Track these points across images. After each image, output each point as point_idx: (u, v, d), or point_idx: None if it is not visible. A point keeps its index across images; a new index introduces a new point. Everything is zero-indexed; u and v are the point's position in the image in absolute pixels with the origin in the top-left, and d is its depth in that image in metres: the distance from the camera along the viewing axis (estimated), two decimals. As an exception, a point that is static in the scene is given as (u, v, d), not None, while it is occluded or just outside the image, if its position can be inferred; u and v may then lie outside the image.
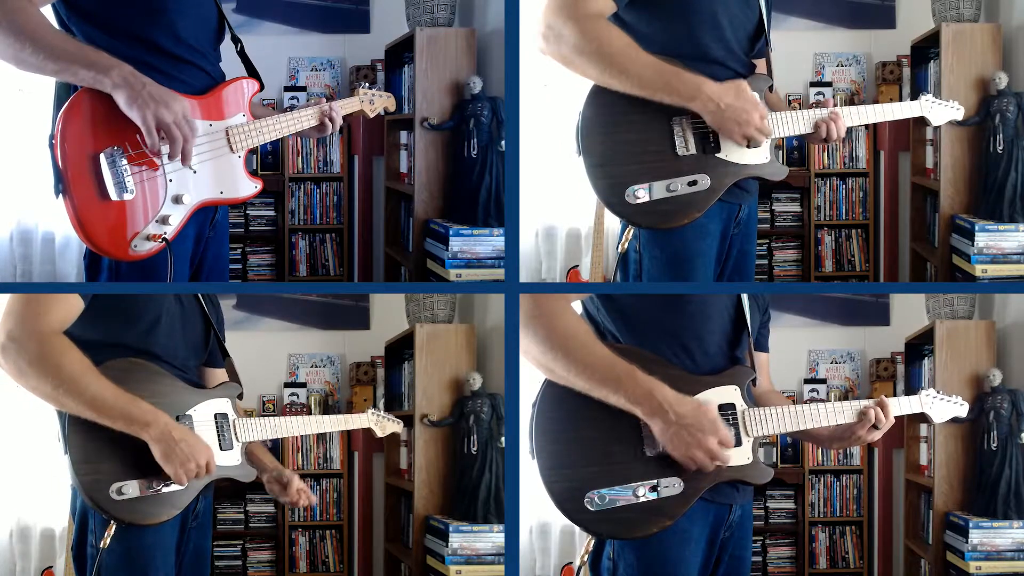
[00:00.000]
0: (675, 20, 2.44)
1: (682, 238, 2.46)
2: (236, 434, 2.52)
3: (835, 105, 2.58)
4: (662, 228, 2.45)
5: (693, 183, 2.43)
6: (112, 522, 2.35)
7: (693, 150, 2.44)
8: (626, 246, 2.51)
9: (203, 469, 2.39)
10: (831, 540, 4.56)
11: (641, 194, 2.43)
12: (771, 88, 2.54)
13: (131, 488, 2.34)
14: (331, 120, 2.75)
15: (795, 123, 2.55)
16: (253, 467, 2.61)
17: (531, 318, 2.27)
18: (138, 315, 2.41)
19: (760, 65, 2.56)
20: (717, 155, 2.44)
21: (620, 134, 2.43)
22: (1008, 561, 4.09)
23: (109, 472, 2.33)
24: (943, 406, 2.56)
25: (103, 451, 2.33)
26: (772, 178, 2.50)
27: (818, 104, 2.68)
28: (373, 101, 2.96)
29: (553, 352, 2.25)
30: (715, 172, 2.44)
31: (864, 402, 2.43)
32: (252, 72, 2.68)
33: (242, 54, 2.71)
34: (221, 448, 2.47)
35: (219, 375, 2.59)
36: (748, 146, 2.44)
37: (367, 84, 3.05)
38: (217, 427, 2.49)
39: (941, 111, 2.74)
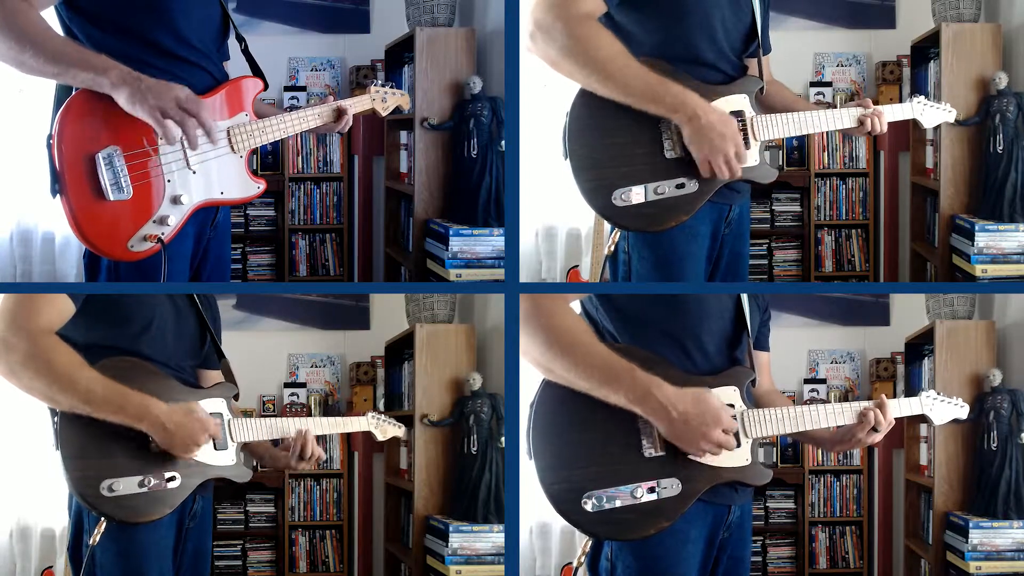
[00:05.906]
0: (666, 21, 2.43)
1: (670, 240, 2.45)
2: (231, 434, 2.51)
3: (875, 103, 2.64)
4: (649, 231, 2.44)
5: (681, 185, 2.42)
6: (103, 519, 2.34)
7: (681, 153, 2.42)
8: (613, 248, 2.50)
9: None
10: (831, 540, 4.56)
11: (628, 197, 2.42)
12: (762, 91, 2.52)
13: (122, 485, 2.33)
14: (343, 116, 2.72)
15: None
16: (251, 467, 2.60)
17: (530, 318, 2.26)
18: (131, 317, 2.41)
19: (752, 66, 2.54)
20: (705, 157, 2.43)
21: (607, 137, 2.41)
22: (1008, 561, 4.09)
23: (100, 468, 2.32)
24: (943, 408, 2.56)
25: (94, 447, 2.32)
26: (761, 181, 2.48)
27: (818, 103, 2.68)
28: (386, 99, 2.91)
29: (552, 352, 2.25)
30: (703, 174, 2.42)
31: (864, 403, 2.43)
32: (256, 71, 2.67)
33: (246, 53, 2.69)
34: (216, 448, 2.46)
35: (215, 376, 2.58)
36: (712, 177, 2.41)
37: (379, 82, 3.00)
38: None
39: (933, 113, 2.74)
